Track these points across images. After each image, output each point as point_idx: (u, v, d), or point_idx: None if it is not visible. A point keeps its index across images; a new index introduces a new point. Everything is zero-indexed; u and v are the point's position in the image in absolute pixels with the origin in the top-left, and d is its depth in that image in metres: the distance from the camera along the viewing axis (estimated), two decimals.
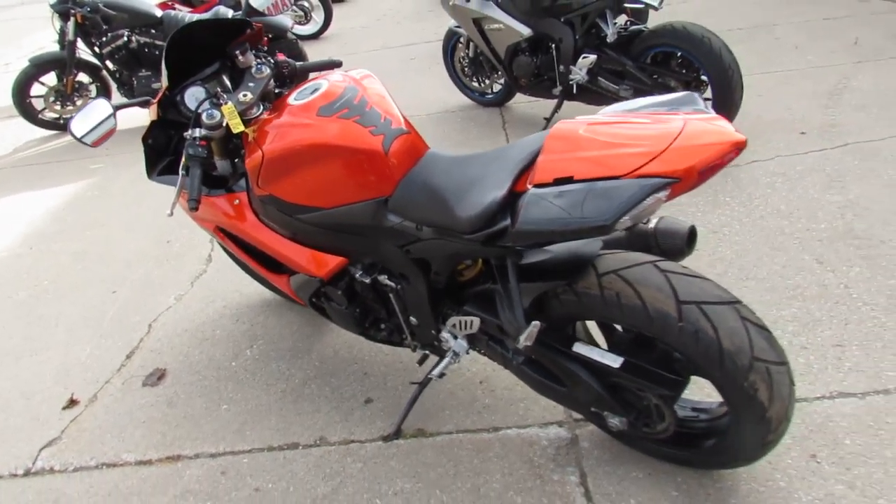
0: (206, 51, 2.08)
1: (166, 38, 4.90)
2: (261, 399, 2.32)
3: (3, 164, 4.97)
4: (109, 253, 3.44)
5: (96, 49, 5.07)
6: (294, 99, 1.85)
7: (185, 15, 5.02)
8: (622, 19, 3.77)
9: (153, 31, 5.01)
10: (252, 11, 2.55)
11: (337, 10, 7.79)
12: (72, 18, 4.88)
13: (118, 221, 3.78)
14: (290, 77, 2.19)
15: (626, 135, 1.35)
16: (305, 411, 2.23)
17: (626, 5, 3.63)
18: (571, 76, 3.78)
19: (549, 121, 4.07)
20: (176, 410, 2.33)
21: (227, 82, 2.12)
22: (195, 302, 2.91)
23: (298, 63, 2.22)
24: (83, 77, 5.30)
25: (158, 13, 4.98)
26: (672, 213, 3.01)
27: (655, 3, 3.60)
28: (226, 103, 1.90)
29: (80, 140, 1.88)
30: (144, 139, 2.05)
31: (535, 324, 1.54)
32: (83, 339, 2.78)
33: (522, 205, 1.39)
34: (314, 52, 6.71)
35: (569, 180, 1.35)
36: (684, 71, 3.47)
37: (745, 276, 2.56)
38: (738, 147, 1.29)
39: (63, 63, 5.09)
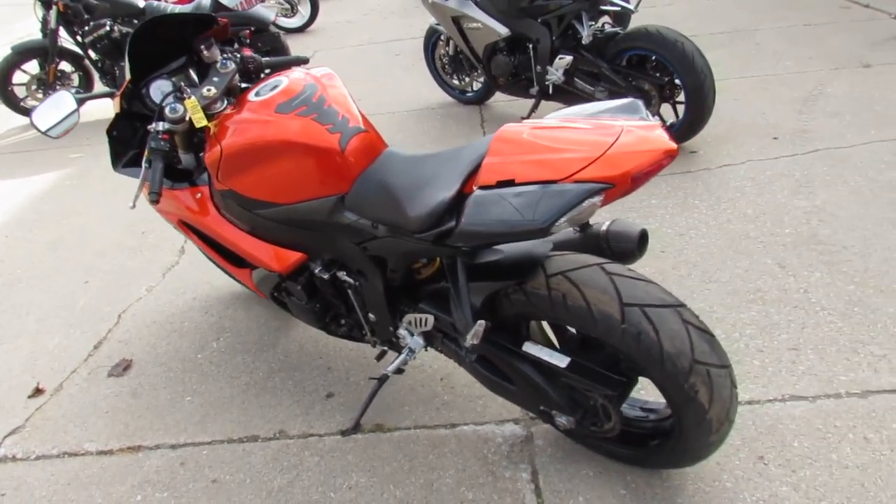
0: (173, 44, 2.08)
1: None
2: (224, 391, 2.34)
3: None
4: (85, 242, 3.45)
5: (78, 38, 5.06)
6: (254, 95, 1.86)
7: (167, 6, 5.00)
8: (602, 21, 3.81)
9: (135, 20, 4.99)
10: (220, 7, 2.55)
11: (324, 4, 7.78)
12: (54, 7, 4.87)
13: (95, 211, 3.78)
14: (256, 72, 2.20)
15: (566, 139, 1.37)
16: (267, 404, 2.25)
17: (603, 8, 3.67)
18: (548, 76, 3.81)
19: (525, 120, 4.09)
20: (140, 401, 2.34)
21: (195, 76, 2.12)
22: (166, 293, 2.93)
23: (264, 59, 2.23)
24: (65, 66, 5.29)
25: (141, 3, 4.96)
26: (642, 214, 3.05)
27: (632, 7, 3.64)
28: (189, 97, 1.91)
29: (43, 133, 1.90)
30: (109, 131, 2.06)
31: (481, 323, 1.56)
32: (53, 329, 2.79)
33: (467, 206, 1.42)
34: (299, 46, 6.71)
35: (510, 183, 1.37)
36: (658, 74, 3.50)
37: (707, 278, 2.60)
38: (670, 155, 1.32)
39: (45, 51, 5.08)
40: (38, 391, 2.44)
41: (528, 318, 1.67)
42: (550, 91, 3.88)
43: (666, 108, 3.59)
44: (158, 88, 2.04)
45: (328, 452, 2.04)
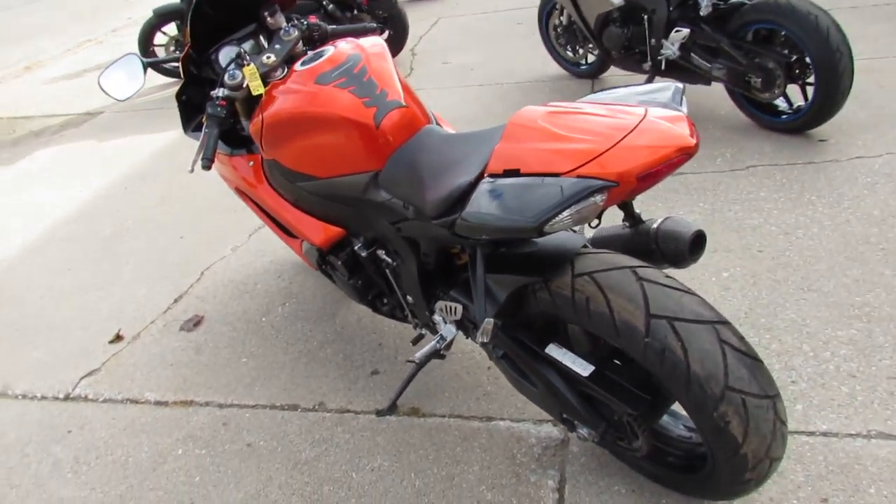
0: (245, 12, 2.09)
1: None
2: (277, 357, 2.38)
3: (121, 107, 5.35)
4: (187, 200, 3.63)
5: None
6: (300, 64, 1.82)
7: None
8: None
9: None
10: None
11: None
12: None
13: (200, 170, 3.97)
14: (322, 40, 2.16)
15: (580, 128, 1.21)
16: (314, 375, 2.26)
17: None
18: (662, 51, 3.51)
19: None
20: (201, 357, 2.44)
21: (265, 43, 2.12)
22: (248, 254, 3.02)
23: (331, 27, 2.19)
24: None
25: None
26: (745, 207, 2.76)
27: None
28: (248, 64, 1.91)
29: (109, 95, 1.97)
30: (178, 95, 2.11)
31: (490, 321, 1.44)
32: (144, 279, 2.96)
33: (473, 195, 1.30)
34: (423, 13, 6.69)
35: (516, 172, 1.24)
36: (786, 51, 3.12)
37: (807, 286, 2.30)
38: (686, 152, 1.13)
39: (182, 15, 5.37)
40: (118, 337, 2.60)
41: (552, 318, 1.52)
42: (664, 67, 3.58)
43: (794, 91, 3.21)
44: (227, 54, 2.05)
45: (360, 431, 2.01)
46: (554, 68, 4.58)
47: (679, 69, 3.57)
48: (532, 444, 1.88)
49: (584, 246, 1.51)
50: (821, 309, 2.20)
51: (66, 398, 2.34)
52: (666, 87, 1.29)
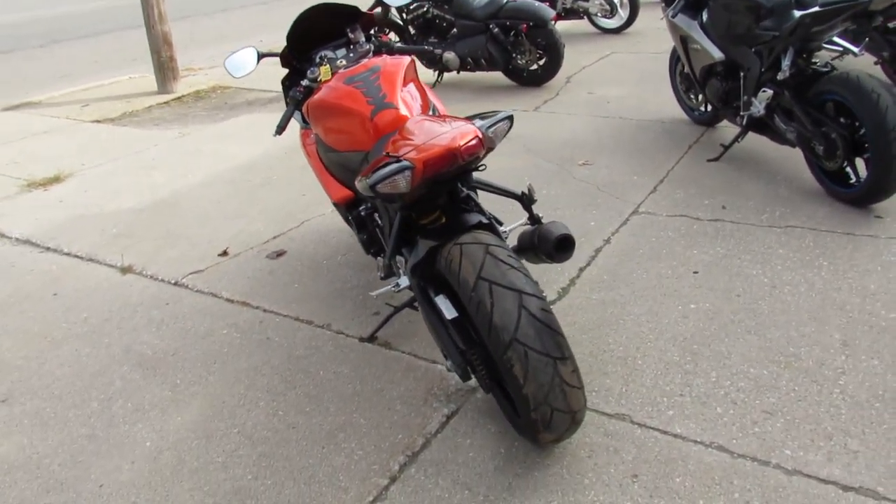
0: (339, 27, 2.81)
1: (455, 15, 5.84)
2: (319, 288, 3.09)
3: None
4: None
5: (403, 15, 6.24)
6: (344, 68, 2.51)
7: None
8: (827, 56, 3.58)
9: (445, 6, 5.98)
10: (379, 2, 3.17)
11: (648, 9, 7.97)
12: None
13: None
14: (389, 54, 2.81)
15: (430, 130, 1.76)
16: (335, 305, 2.94)
17: (826, 46, 3.46)
18: (751, 108, 3.72)
19: (726, 149, 4.03)
20: (270, 278, 3.23)
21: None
22: (337, 215, 3.78)
23: (396, 45, 2.83)
24: (392, 35, 6.54)
25: None
26: (758, 257, 2.98)
27: (856, 50, 3.38)
28: (325, 65, 2.64)
29: (229, 73, 2.79)
30: (283, 81, 2.90)
31: (380, 259, 2.02)
32: (262, 218, 3.85)
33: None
34: (601, 45, 7.13)
35: (387, 154, 1.81)
36: (852, 123, 3.22)
37: (754, 330, 2.53)
38: (453, 153, 1.64)
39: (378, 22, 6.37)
40: (224, 253, 3.49)
41: (441, 275, 2.04)
42: (749, 123, 3.79)
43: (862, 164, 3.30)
44: (320, 55, 2.80)
45: (342, 347, 2.66)
46: (678, 112, 4.84)
47: (764, 127, 3.76)
48: (450, 384, 2.39)
49: (480, 224, 2.02)
50: (751, 350, 2.44)
51: (175, 283, 3.26)
52: (501, 113, 1.79)
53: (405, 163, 1.72)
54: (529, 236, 2.09)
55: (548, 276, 2.99)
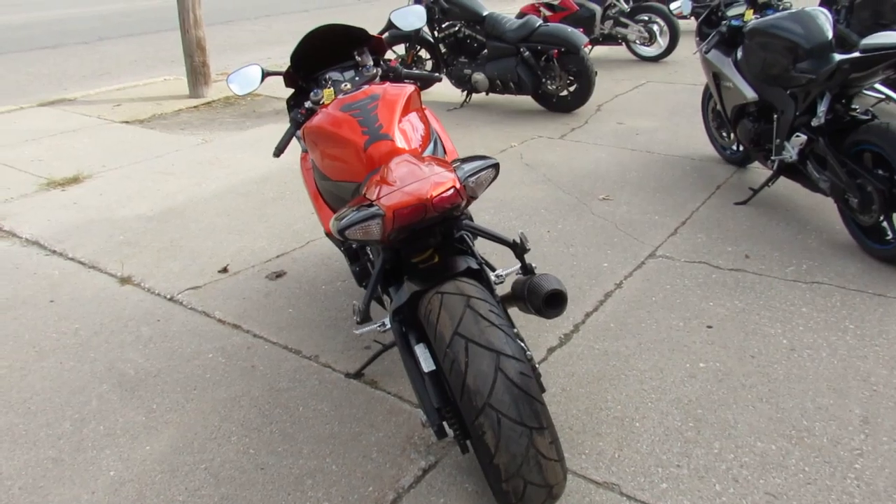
0: (347, 50, 2.71)
1: (486, 36, 5.74)
2: (313, 315, 2.98)
3: None
4: None
5: (435, 33, 6.16)
6: (343, 94, 2.40)
7: (507, 20, 5.76)
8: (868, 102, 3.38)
9: (477, 27, 5.88)
10: (390, 26, 3.06)
11: (690, 38, 7.76)
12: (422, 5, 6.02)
13: None
14: (396, 79, 2.70)
15: (408, 174, 1.63)
16: (326, 335, 2.83)
17: (866, 92, 3.26)
18: (784, 152, 3.53)
19: (755, 193, 3.83)
20: (266, 300, 3.13)
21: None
22: None
23: (405, 70, 2.72)
24: (423, 53, 6.46)
25: (484, 12, 5.83)
26: (776, 313, 2.80)
27: None
28: (328, 87, 2.54)
29: (231, 90, 2.70)
30: (287, 101, 2.81)
31: (355, 302, 1.90)
32: (268, 235, 3.77)
33: None
34: (636, 73, 6.95)
35: (363, 196, 1.69)
36: (891, 177, 3.02)
37: (766, 398, 2.34)
38: (423, 203, 1.50)
39: (410, 39, 6.29)
40: (224, 269, 3.41)
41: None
42: (779, 167, 3.60)
43: None
44: (326, 77, 2.71)
45: (327, 382, 2.54)
46: (709, 149, 4.65)
47: (797, 173, 3.57)
48: (431, 434, 2.25)
49: (468, 270, 1.88)
50: (761, 420, 2.26)
51: (170, 299, 3.18)
52: (486, 160, 1.66)
53: (376, 209, 1.60)
54: (521, 286, 1.94)
55: (552, 320, 2.84)
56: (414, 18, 2.84)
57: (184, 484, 2.11)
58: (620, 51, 7.87)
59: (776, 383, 2.43)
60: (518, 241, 2.06)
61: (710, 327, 2.76)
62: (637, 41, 7.54)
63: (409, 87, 2.40)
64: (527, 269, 2.03)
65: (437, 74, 2.82)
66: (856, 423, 2.22)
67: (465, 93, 6.16)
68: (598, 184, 4.26)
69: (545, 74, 5.67)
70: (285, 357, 2.71)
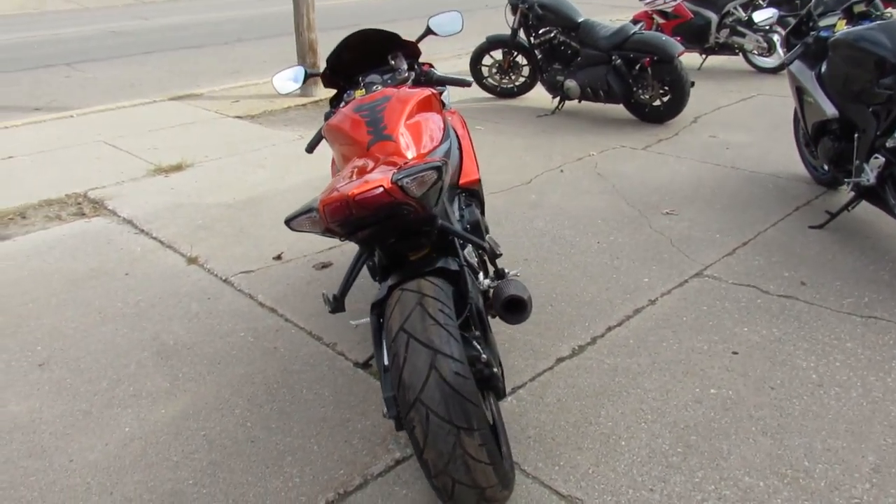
0: (385, 50, 2.82)
1: (580, 43, 5.69)
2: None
3: None
4: None
5: (531, 39, 6.16)
6: (360, 95, 2.50)
7: (602, 26, 5.66)
8: None
9: (572, 33, 5.83)
10: (428, 32, 3.09)
11: None
12: (518, 12, 6.04)
13: None
14: (428, 83, 2.77)
15: (352, 173, 1.71)
16: (349, 328, 2.94)
17: None
18: (862, 174, 3.26)
19: (832, 217, 3.55)
20: (306, 288, 3.30)
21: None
22: None
23: (437, 75, 2.78)
24: (520, 59, 6.47)
25: (579, 19, 5.76)
26: (820, 346, 2.63)
27: None
28: (361, 89, 2.66)
29: (275, 89, 2.88)
30: (330, 101, 2.96)
31: (327, 293, 1.97)
32: None
33: None
34: (749, 86, 6.64)
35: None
36: None
37: (773, 433, 2.20)
38: (346, 201, 1.56)
39: (508, 45, 6.33)
40: (279, 257, 3.63)
41: None
42: (855, 189, 3.32)
43: None
44: (363, 79, 2.83)
45: (336, 369, 2.65)
46: (800, 168, 4.35)
47: (875, 197, 3.28)
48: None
49: (441, 270, 1.92)
50: (757, 454, 2.12)
51: (224, 280, 3.43)
52: (429, 163, 1.70)
53: (313, 203, 1.69)
54: (492, 289, 1.96)
55: (571, 329, 2.81)
56: (450, 25, 2.90)
57: (182, 447, 2.30)
58: (738, 61, 7.48)
59: (788, 418, 2.26)
60: (488, 245, 2.07)
61: (735, 353, 2.61)
62: (754, 51, 7.14)
63: (425, 91, 2.46)
64: (499, 274, 2.04)
65: (468, 79, 2.84)
66: (864, 471, 2.04)
67: (558, 99, 6.11)
68: (667, 198, 4.11)
69: (637, 83, 5.52)
70: (307, 342, 2.86)
